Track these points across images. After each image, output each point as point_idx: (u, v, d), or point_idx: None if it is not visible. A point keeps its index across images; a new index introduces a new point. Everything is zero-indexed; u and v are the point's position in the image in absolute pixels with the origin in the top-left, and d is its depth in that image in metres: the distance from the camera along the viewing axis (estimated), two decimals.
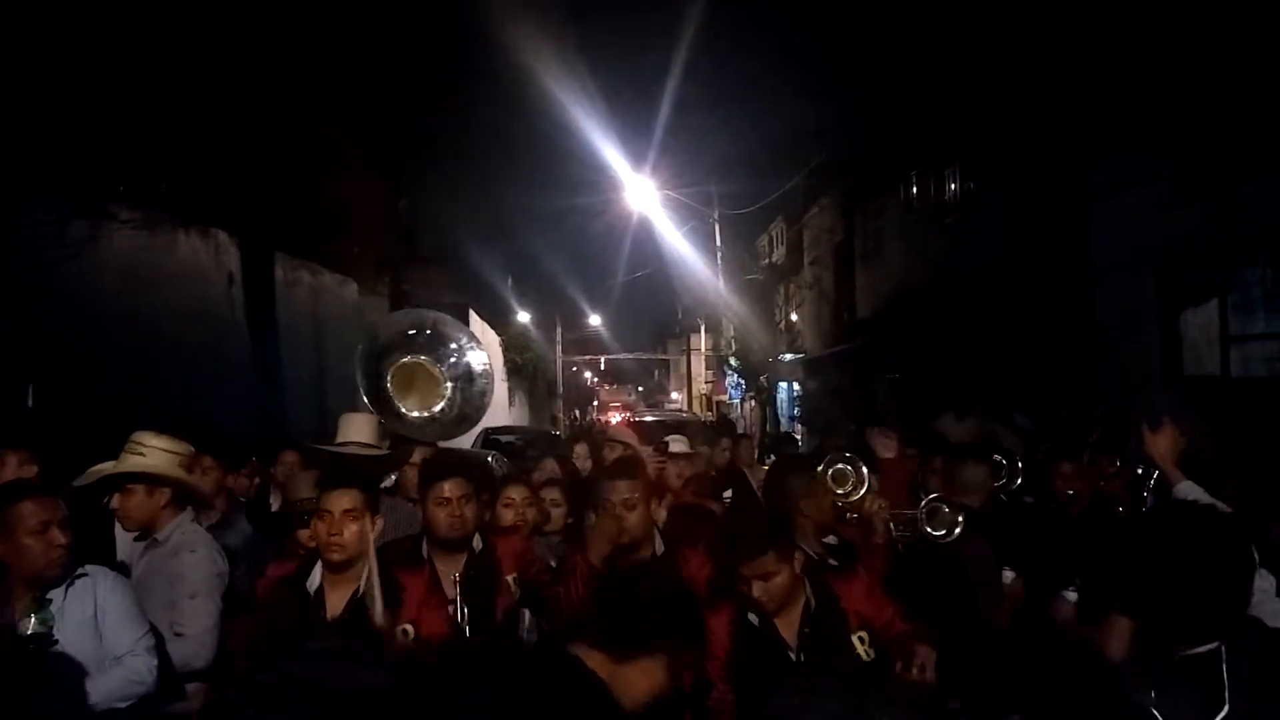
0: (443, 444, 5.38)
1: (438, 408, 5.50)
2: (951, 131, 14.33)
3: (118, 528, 4.38)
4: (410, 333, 5.58)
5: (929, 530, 3.69)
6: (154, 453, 3.78)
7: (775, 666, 3.07)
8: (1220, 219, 9.04)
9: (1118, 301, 10.53)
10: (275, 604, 3.36)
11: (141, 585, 3.61)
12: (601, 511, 3.67)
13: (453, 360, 5.61)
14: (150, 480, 3.75)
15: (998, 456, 4.79)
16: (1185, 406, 8.97)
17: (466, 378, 5.63)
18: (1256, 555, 2.20)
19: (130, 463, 3.77)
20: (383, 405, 5.14)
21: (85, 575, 3.18)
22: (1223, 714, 1.88)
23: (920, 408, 14.83)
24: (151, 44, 9.84)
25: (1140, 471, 3.88)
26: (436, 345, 5.60)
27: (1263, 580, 2.49)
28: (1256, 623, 2.18)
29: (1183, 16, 9.13)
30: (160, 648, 3.28)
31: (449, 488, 3.71)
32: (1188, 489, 3.14)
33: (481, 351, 5.82)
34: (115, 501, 3.80)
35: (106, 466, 3.83)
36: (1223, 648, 1.96)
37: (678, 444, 5.85)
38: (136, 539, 3.83)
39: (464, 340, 5.73)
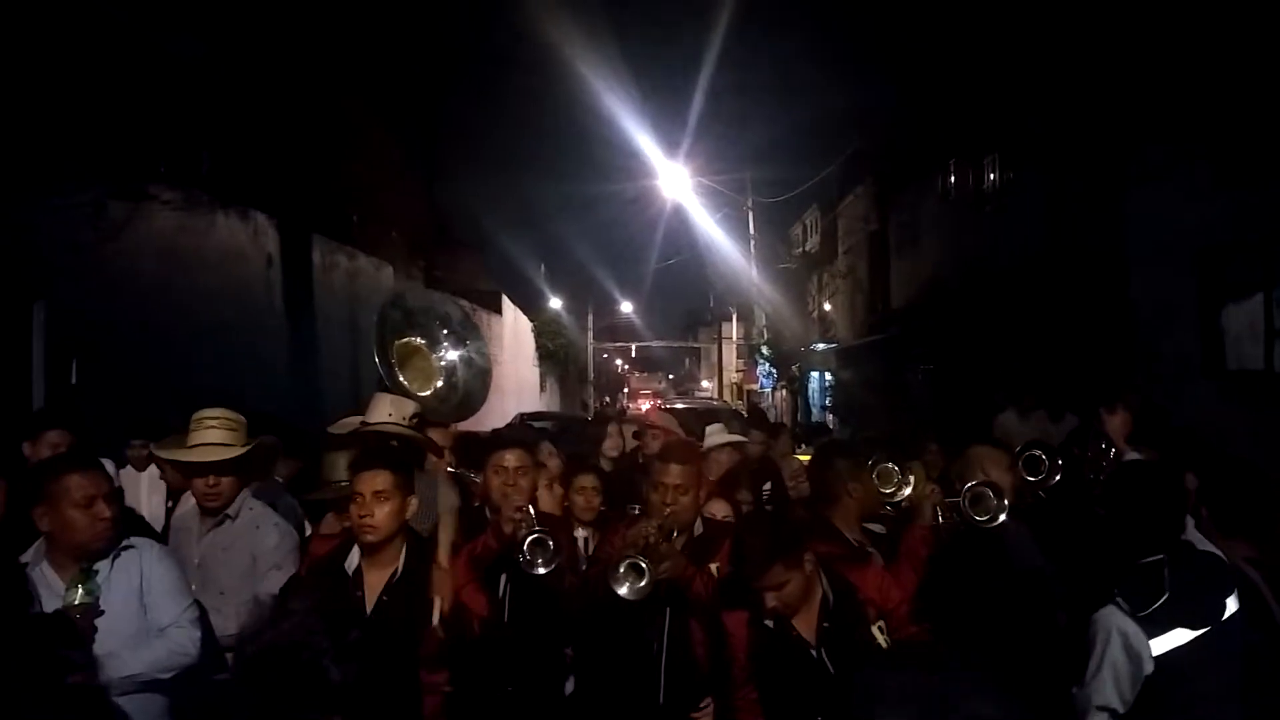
0: (457, 426, 5.41)
1: (427, 392, 5.52)
2: (990, 120, 14.17)
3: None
4: (411, 312, 5.61)
5: (974, 516, 3.64)
6: (243, 428, 3.87)
7: (796, 664, 3.07)
8: (1264, 210, 8.87)
9: (1156, 294, 10.37)
10: (314, 585, 3.39)
11: (212, 559, 3.68)
12: (651, 493, 3.67)
13: (446, 345, 5.62)
14: (240, 462, 3.82)
15: (1039, 452, 4.69)
16: (1227, 400, 8.83)
17: (465, 362, 5.64)
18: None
19: (234, 439, 3.83)
20: (394, 384, 5.17)
21: (131, 547, 3.19)
22: (1163, 599, 2.85)
23: (954, 399, 14.74)
24: (193, 28, 9.95)
25: (1103, 447, 4.68)
26: (433, 328, 5.61)
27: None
28: (1189, 545, 3.08)
29: (1218, 6, 8.97)
30: (204, 619, 3.31)
31: (508, 458, 3.84)
32: (1133, 455, 4.10)
33: (478, 338, 5.81)
34: (207, 484, 3.77)
35: (205, 447, 3.79)
36: (1165, 558, 2.92)
37: (716, 435, 5.74)
38: (205, 515, 3.84)
39: (458, 321, 5.73)
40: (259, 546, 3.68)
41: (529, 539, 3.44)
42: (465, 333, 5.69)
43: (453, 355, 5.58)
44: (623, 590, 3.27)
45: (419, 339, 5.49)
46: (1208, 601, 2.91)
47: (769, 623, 3.11)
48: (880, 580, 3.36)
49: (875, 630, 3.20)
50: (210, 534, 3.78)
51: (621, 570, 3.28)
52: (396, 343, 5.39)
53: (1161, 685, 2.82)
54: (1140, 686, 2.85)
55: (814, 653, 3.09)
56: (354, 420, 4.81)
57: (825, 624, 3.13)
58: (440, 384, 5.49)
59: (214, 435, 3.81)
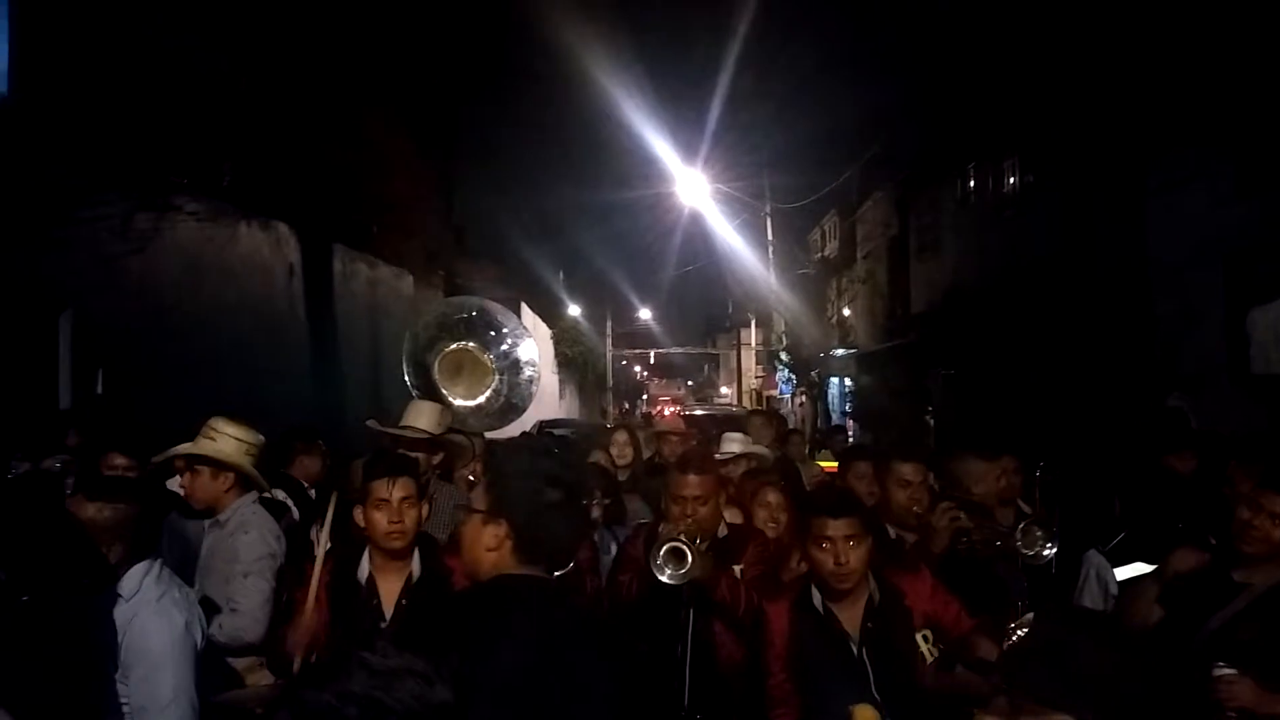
0: (490, 435, 5.45)
1: (483, 397, 5.55)
2: (1010, 124, 14.10)
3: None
4: (457, 317, 5.64)
5: (1023, 550, 3.55)
6: (224, 439, 3.88)
7: (836, 658, 3.05)
8: None
9: (1179, 298, 10.30)
10: (328, 595, 3.38)
11: (205, 564, 3.76)
12: (671, 504, 3.64)
13: (502, 347, 5.66)
14: (215, 464, 3.85)
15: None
16: (1253, 405, 8.76)
17: (514, 367, 5.68)
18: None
19: (201, 445, 3.88)
20: (431, 396, 5.21)
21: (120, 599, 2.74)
22: (1119, 538, 3.82)
23: (975, 404, 14.66)
24: (215, 40, 10.04)
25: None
26: (483, 331, 5.65)
27: None
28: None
29: (1241, 10, 8.91)
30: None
31: None
32: None
33: (530, 340, 5.86)
34: (184, 480, 3.89)
35: (186, 447, 3.93)
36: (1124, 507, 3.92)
37: (732, 443, 5.69)
38: (207, 520, 3.93)
39: (511, 327, 5.78)
40: (233, 551, 3.72)
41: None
42: (517, 334, 5.75)
43: (516, 348, 5.63)
44: (664, 576, 3.25)
45: (469, 344, 5.54)
46: (1160, 541, 3.58)
47: (818, 602, 3.10)
48: (932, 590, 3.29)
49: (920, 638, 3.18)
50: (208, 537, 3.87)
51: (662, 556, 3.27)
52: (447, 349, 5.44)
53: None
54: (1112, 606, 3.60)
55: (854, 649, 3.07)
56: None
57: (869, 623, 3.10)
58: (489, 392, 5.54)
59: (201, 444, 3.89)
